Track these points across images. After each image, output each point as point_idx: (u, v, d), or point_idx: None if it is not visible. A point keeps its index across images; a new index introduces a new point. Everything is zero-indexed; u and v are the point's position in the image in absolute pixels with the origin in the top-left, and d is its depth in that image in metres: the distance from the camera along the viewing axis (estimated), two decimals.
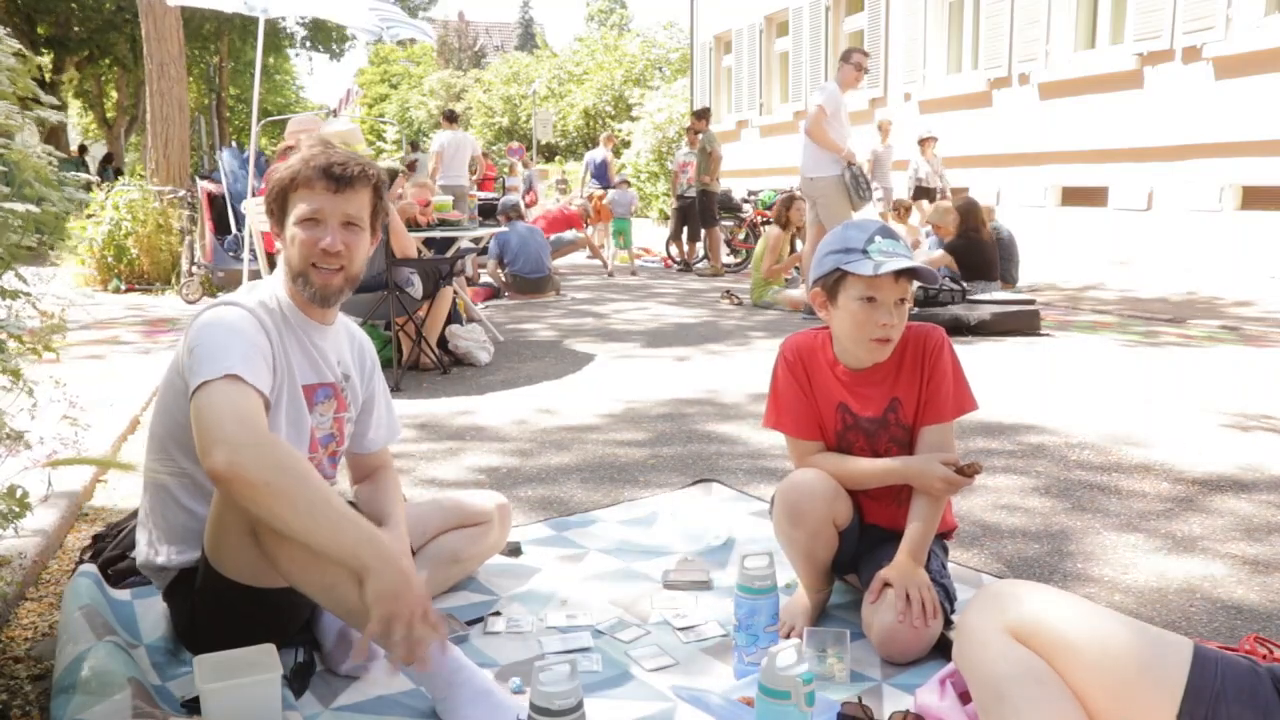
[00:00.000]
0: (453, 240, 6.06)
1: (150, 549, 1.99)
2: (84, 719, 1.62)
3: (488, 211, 11.42)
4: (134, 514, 2.38)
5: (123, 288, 9.35)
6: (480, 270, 9.22)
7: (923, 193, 11.00)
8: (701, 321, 7.28)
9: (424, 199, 6.08)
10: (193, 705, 1.74)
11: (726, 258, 11.63)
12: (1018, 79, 11.60)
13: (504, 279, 8.83)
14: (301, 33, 25.74)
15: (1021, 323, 6.42)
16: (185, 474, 1.94)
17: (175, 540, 1.96)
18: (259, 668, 1.70)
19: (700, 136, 11.10)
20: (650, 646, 2.07)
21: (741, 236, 11.72)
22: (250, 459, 1.61)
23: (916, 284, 2.12)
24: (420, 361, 5.25)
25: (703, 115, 11.48)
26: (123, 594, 2.25)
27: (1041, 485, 3.23)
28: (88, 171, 15.58)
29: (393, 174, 7.14)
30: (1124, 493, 3.14)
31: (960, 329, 6.23)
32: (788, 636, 2.08)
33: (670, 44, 32.74)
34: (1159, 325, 6.75)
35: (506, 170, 15.72)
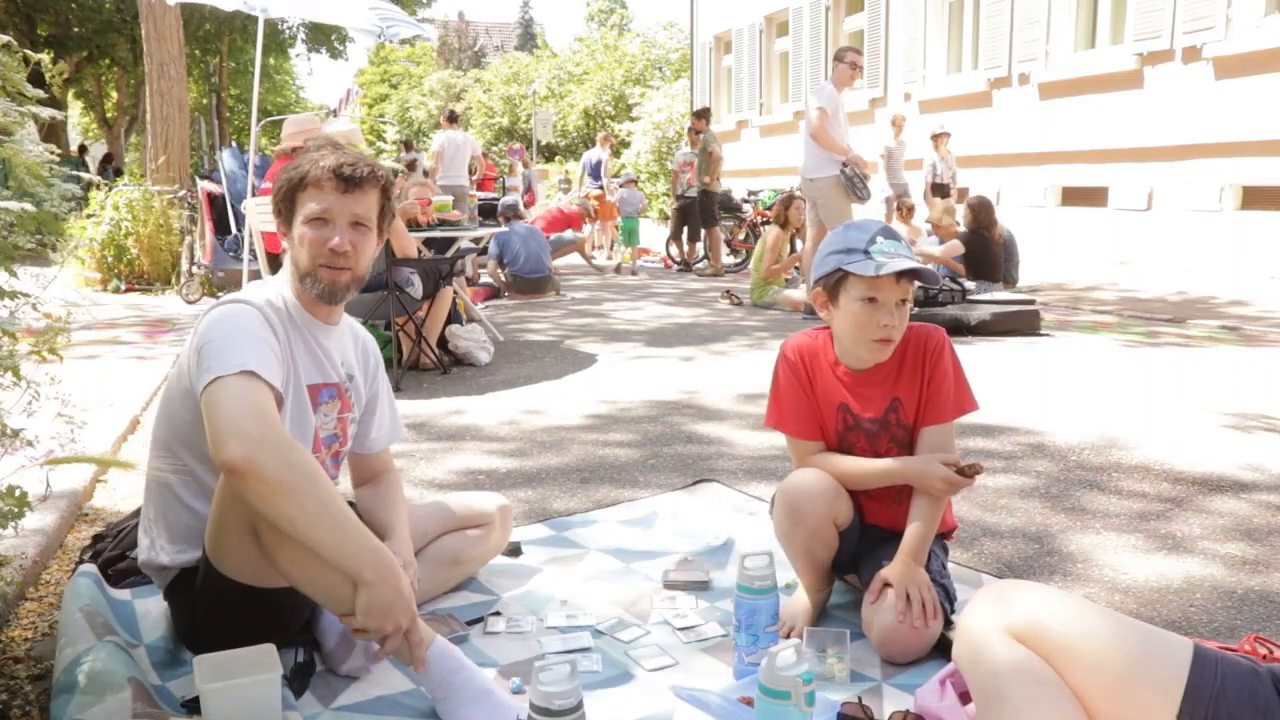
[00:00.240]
0: (453, 240, 6.05)
1: (152, 548, 1.99)
2: (84, 719, 1.62)
3: (488, 211, 11.43)
4: (134, 514, 2.39)
5: (123, 288, 9.35)
6: (480, 270, 9.22)
7: (937, 189, 10.90)
8: (701, 322, 7.28)
9: (425, 199, 6.07)
10: (193, 705, 1.74)
11: (726, 258, 11.64)
12: (1018, 79, 11.60)
13: (504, 279, 8.83)
14: (301, 34, 25.74)
15: (1021, 323, 6.42)
16: (189, 472, 1.94)
17: (177, 539, 1.96)
18: (259, 668, 1.70)
19: (701, 136, 11.11)
20: (650, 646, 2.07)
21: (741, 236, 11.72)
22: (267, 455, 1.61)
23: (917, 284, 2.12)
24: (420, 361, 5.25)
25: (703, 115, 11.49)
26: (123, 594, 2.25)
27: (1041, 485, 3.23)
28: (88, 171, 15.59)
29: (393, 174, 7.13)
30: (1124, 493, 3.14)
31: (960, 329, 6.23)
32: (788, 636, 2.08)
33: (670, 44, 32.73)
34: (1159, 325, 6.75)
35: (506, 170, 15.73)
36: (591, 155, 14.55)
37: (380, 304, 4.91)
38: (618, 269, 11.53)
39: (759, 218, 11.24)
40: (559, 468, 3.49)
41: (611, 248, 13.91)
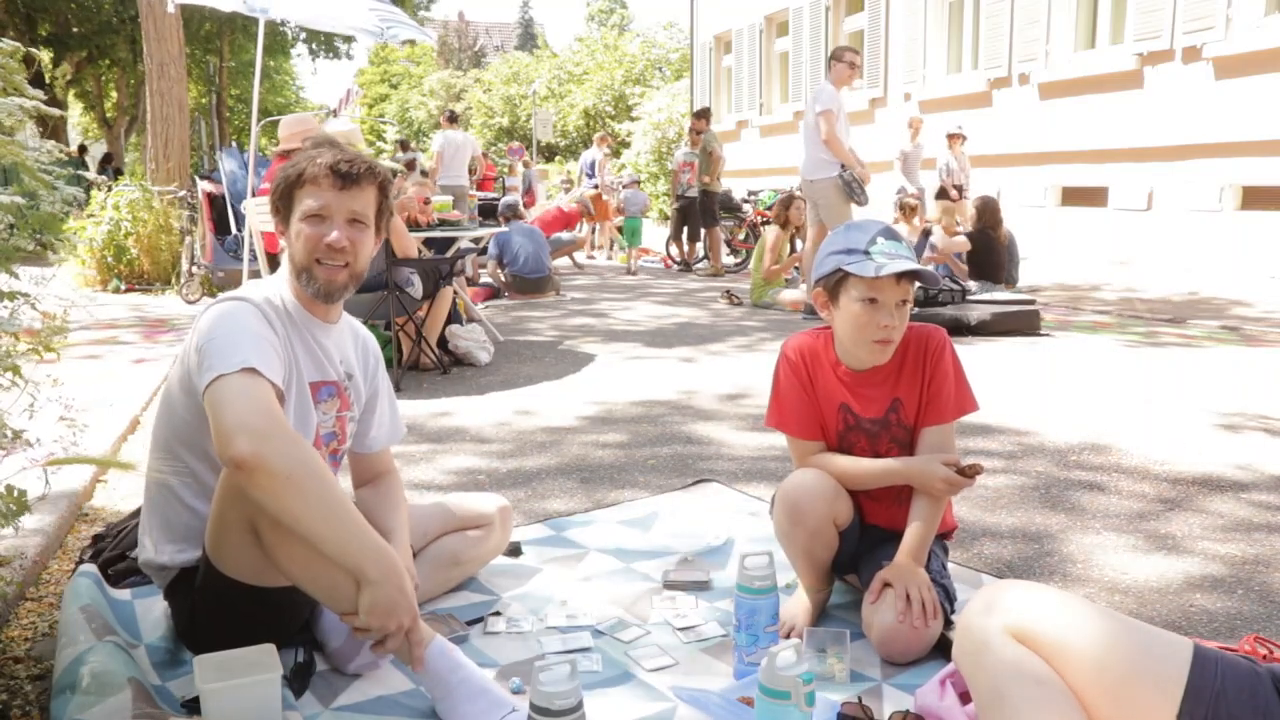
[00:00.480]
0: (453, 240, 6.05)
1: (152, 547, 1.99)
2: (84, 719, 1.62)
3: (488, 211, 11.43)
4: (134, 514, 2.39)
5: (123, 288, 9.35)
6: (480, 270, 9.22)
7: (946, 192, 10.65)
8: (701, 322, 7.28)
9: (424, 196, 6.06)
10: (193, 705, 1.74)
11: (726, 258, 11.64)
12: (1018, 79, 11.60)
13: (504, 279, 8.83)
14: (302, 34, 25.74)
15: (1021, 323, 6.42)
16: (189, 472, 1.94)
17: (177, 539, 1.96)
18: (259, 668, 1.70)
19: (702, 136, 11.10)
20: (650, 646, 2.07)
21: (741, 236, 11.72)
22: (275, 449, 1.61)
23: (917, 285, 2.12)
24: (420, 361, 5.25)
25: (703, 115, 11.48)
26: (123, 594, 2.25)
27: (1041, 485, 3.23)
28: (88, 171, 15.59)
29: (391, 174, 7.13)
30: (1123, 493, 3.14)
31: (960, 329, 6.23)
32: (788, 636, 2.08)
33: (670, 44, 32.73)
34: (1159, 325, 6.75)
35: (506, 170, 15.72)
36: (587, 156, 14.57)
37: (380, 304, 4.91)
38: (631, 270, 11.56)
39: (759, 218, 11.24)
40: (559, 468, 3.49)
41: (611, 247, 13.91)
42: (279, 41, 25.85)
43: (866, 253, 2.01)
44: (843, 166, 6.84)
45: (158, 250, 9.53)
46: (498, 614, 2.23)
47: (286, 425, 1.70)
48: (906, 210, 9.83)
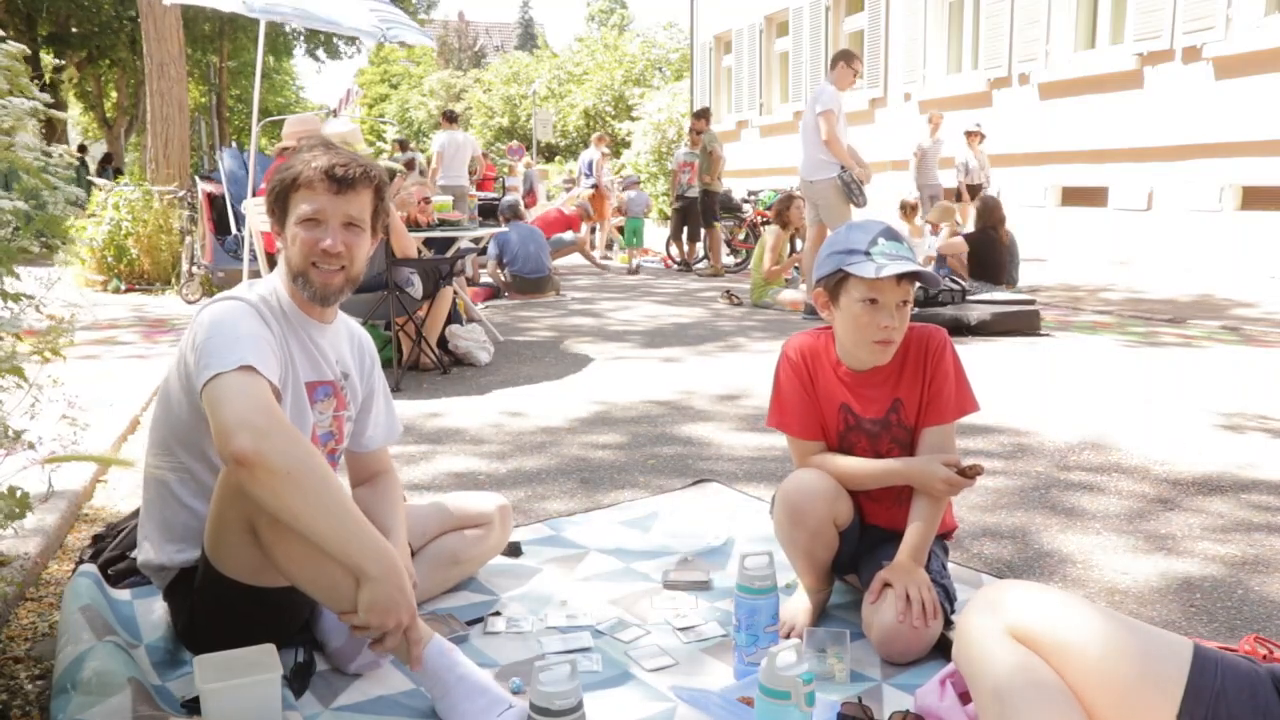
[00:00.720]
0: (453, 240, 6.06)
1: (151, 548, 1.99)
2: (84, 719, 1.62)
3: (488, 211, 11.43)
4: (134, 514, 2.38)
5: (123, 288, 9.35)
6: (480, 270, 9.22)
7: (970, 189, 10.61)
8: (701, 322, 7.28)
9: (422, 195, 6.06)
10: (193, 705, 1.74)
11: (726, 258, 11.64)
12: (1018, 79, 11.60)
13: (504, 279, 8.84)
14: (303, 35, 25.76)
15: (1021, 323, 6.42)
16: (187, 471, 1.94)
17: (176, 539, 1.96)
18: (259, 668, 1.70)
19: (702, 136, 11.11)
20: (650, 646, 2.07)
21: (741, 236, 11.72)
22: (275, 446, 1.61)
23: (917, 285, 2.12)
24: (420, 361, 5.25)
25: (703, 115, 11.49)
26: (123, 594, 2.25)
27: (1041, 485, 3.23)
28: (88, 171, 15.58)
29: (390, 174, 7.14)
30: (1123, 493, 3.14)
31: (960, 329, 6.23)
32: (788, 636, 2.08)
33: (670, 44, 32.72)
34: (1159, 325, 6.75)
35: (506, 170, 15.72)
36: (586, 155, 14.60)
37: (380, 304, 4.91)
38: (634, 270, 11.59)
39: (759, 218, 11.24)
40: (558, 468, 3.49)
41: (609, 247, 13.92)
42: (279, 42, 25.85)
43: (867, 253, 2.01)
44: (842, 167, 6.84)
45: (158, 250, 9.53)
46: (497, 614, 2.23)
47: (286, 422, 1.70)
48: (906, 209, 9.83)
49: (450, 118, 11.83)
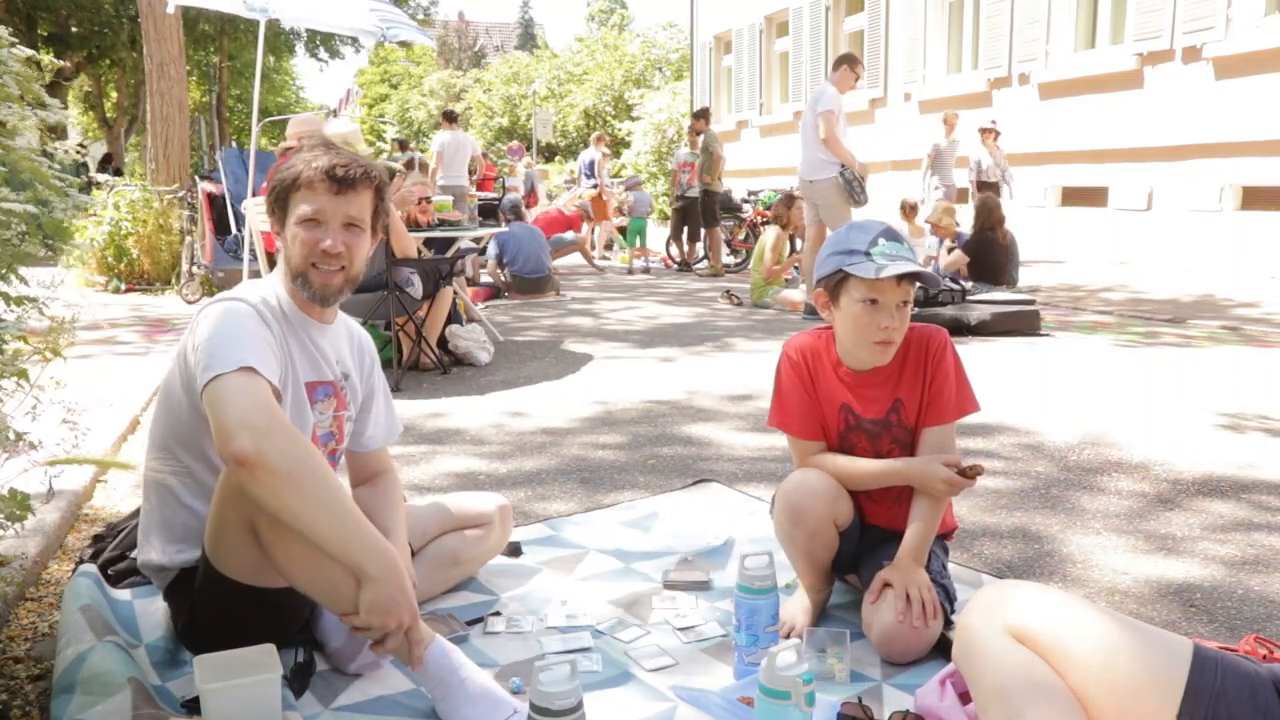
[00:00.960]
0: (453, 240, 6.06)
1: (151, 548, 1.99)
2: (84, 719, 1.62)
3: (488, 211, 11.43)
4: (134, 514, 2.38)
5: (123, 288, 9.36)
6: (480, 270, 9.22)
7: (985, 188, 10.29)
8: (701, 322, 7.28)
9: (423, 195, 6.06)
10: (193, 705, 1.74)
11: (726, 258, 11.65)
12: (1018, 79, 11.60)
13: (504, 279, 8.84)
14: (303, 34, 25.76)
15: (1021, 323, 6.42)
16: (187, 471, 1.94)
17: (176, 539, 1.96)
18: (259, 668, 1.70)
19: (701, 137, 11.11)
20: (650, 646, 2.07)
21: (741, 236, 11.73)
22: (276, 446, 1.61)
23: (917, 285, 2.12)
24: (420, 361, 5.25)
25: (703, 115, 11.49)
26: (123, 594, 2.25)
27: (1041, 485, 3.23)
28: (88, 172, 15.59)
29: (390, 173, 7.14)
30: (1123, 493, 3.14)
31: (960, 329, 6.23)
32: (788, 636, 2.09)
33: (670, 44, 32.72)
34: (1159, 325, 6.75)
35: (506, 170, 15.72)
36: (586, 155, 14.61)
37: (380, 304, 4.91)
38: (632, 270, 11.61)
39: (759, 218, 11.24)
40: (558, 468, 3.49)
41: (609, 247, 13.93)
42: (279, 41, 25.85)
43: (868, 254, 2.01)
44: (843, 166, 6.84)
45: (158, 250, 9.53)
46: (497, 614, 2.23)
47: (287, 423, 1.70)
48: (907, 209, 9.82)
49: (450, 118, 11.83)
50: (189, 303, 8.39)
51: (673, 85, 25.65)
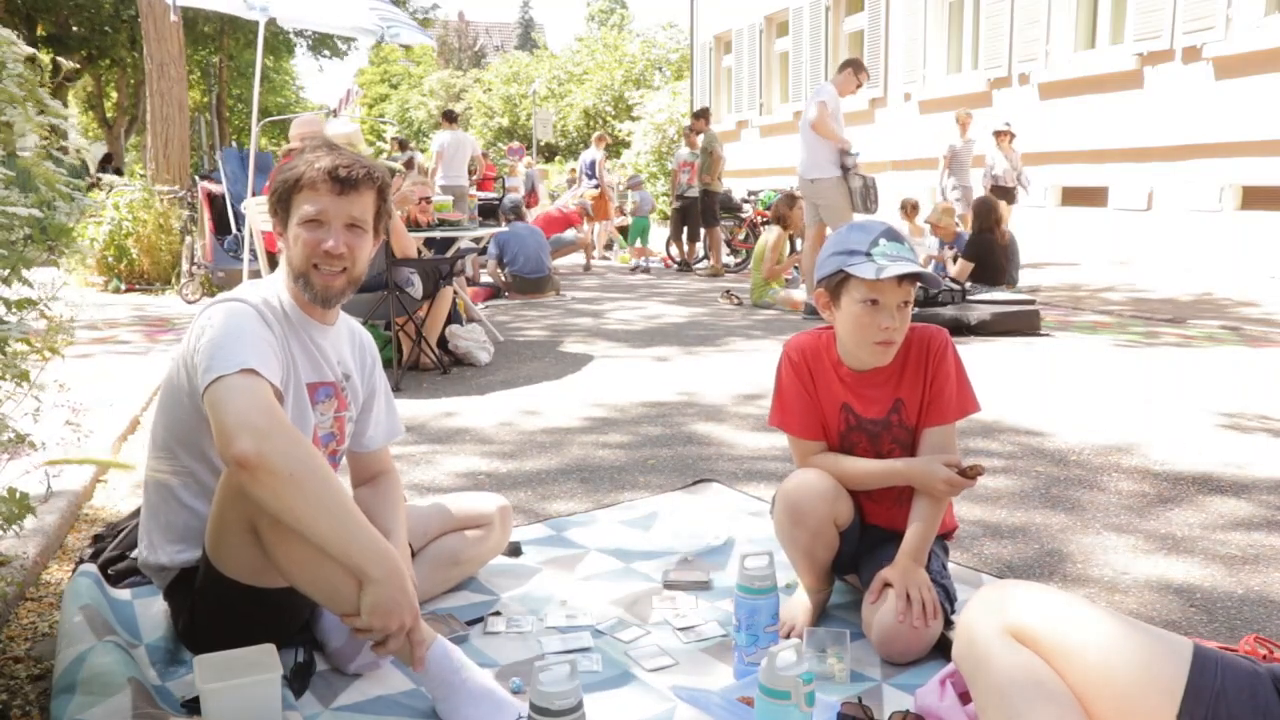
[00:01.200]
0: (453, 240, 6.06)
1: (151, 548, 1.99)
2: (84, 719, 1.62)
3: (488, 211, 11.43)
4: (134, 514, 2.39)
5: (123, 288, 9.36)
6: (480, 270, 9.22)
7: (1000, 192, 10.21)
8: (701, 322, 7.28)
9: (423, 195, 6.06)
10: (193, 705, 1.74)
11: (726, 258, 11.65)
12: (1018, 79, 11.60)
13: (504, 279, 8.84)
14: (305, 34, 25.78)
15: (1021, 323, 6.42)
16: (188, 471, 1.94)
17: (176, 539, 1.96)
18: (259, 668, 1.70)
19: (700, 137, 11.11)
20: (650, 646, 2.07)
21: (741, 236, 11.73)
22: (277, 448, 1.62)
23: (918, 286, 2.12)
24: (420, 361, 5.25)
25: (702, 115, 11.49)
26: (123, 594, 2.25)
27: (1041, 485, 3.23)
28: (88, 172, 15.58)
29: (390, 173, 7.13)
30: (1123, 493, 3.14)
31: (960, 329, 6.23)
32: (788, 636, 2.09)
33: (670, 44, 32.72)
34: (1159, 325, 6.75)
35: (507, 170, 15.73)
36: (587, 156, 14.62)
37: (380, 304, 4.91)
38: (632, 270, 11.62)
39: (759, 218, 11.24)
40: (559, 468, 3.49)
41: (609, 247, 13.93)
42: (279, 41, 25.84)
43: (868, 254, 2.00)
44: (847, 169, 6.84)
45: (158, 250, 9.53)
46: (498, 614, 2.23)
47: (288, 424, 1.70)
48: (908, 209, 9.81)
49: (450, 118, 11.83)
50: (189, 303, 8.40)
51: (673, 85, 25.66)
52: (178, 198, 9.63)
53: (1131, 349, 5.85)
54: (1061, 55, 11.06)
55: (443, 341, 5.42)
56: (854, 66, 7.10)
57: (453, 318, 5.57)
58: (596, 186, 13.64)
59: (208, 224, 8.81)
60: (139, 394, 4.44)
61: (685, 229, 11.61)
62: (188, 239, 8.91)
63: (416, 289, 5.11)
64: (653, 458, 3.62)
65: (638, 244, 12.37)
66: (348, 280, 1.97)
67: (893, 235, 2.05)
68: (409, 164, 12.38)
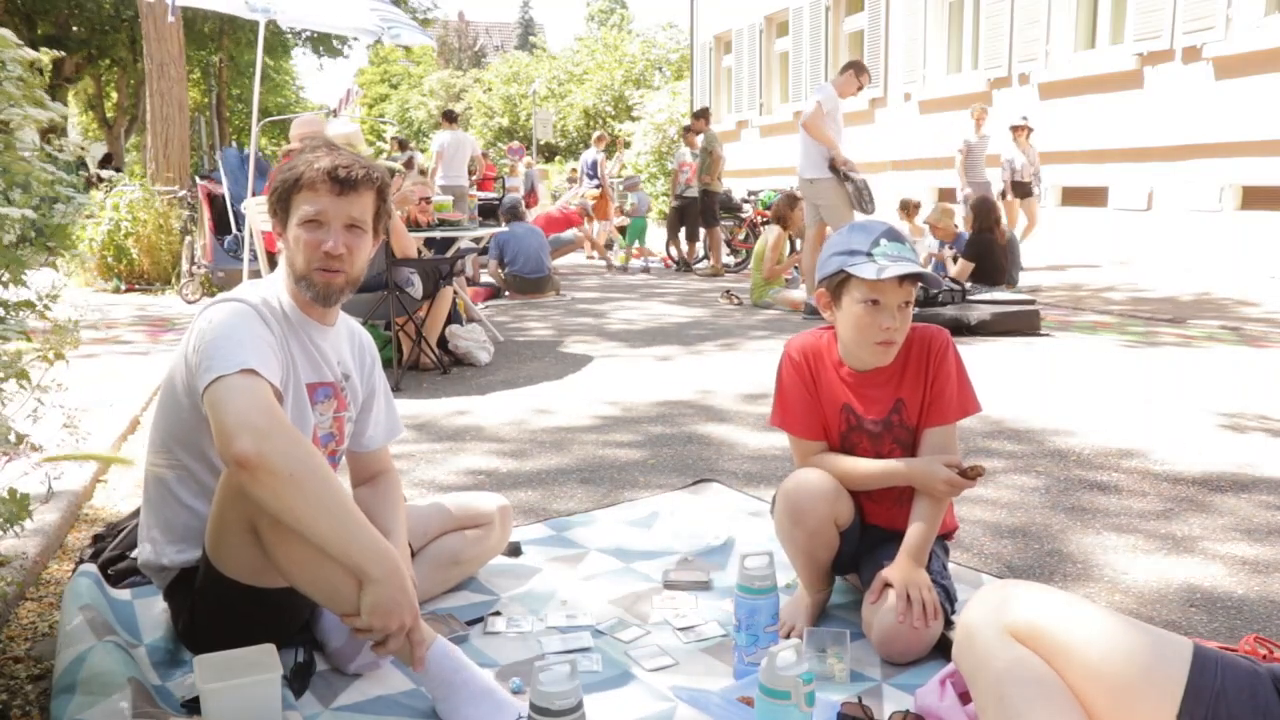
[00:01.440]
0: (453, 240, 6.06)
1: (151, 548, 1.99)
2: (84, 719, 1.62)
3: (488, 211, 11.43)
4: (134, 514, 2.39)
5: (123, 288, 9.36)
6: (480, 270, 9.22)
7: (1018, 188, 10.17)
8: (701, 321, 7.28)
9: (424, 195, 6.07)
10: (193, 705, 1.74)
11: (726, 258, 11.65)
12: (1018, 79, 11.60)
13: (504, 279, 8.83)
14: (305, 34, 25.77)
15: (1021, 323, 6.42)
16: (187, 471, 1.95)
17: (176, 539, 1.96)
18: (259, 668, 1.70)
19: (700, 137, 11.11)
20: (650, 646, 2.07)
21: (741, 236, 11.73)
22: (277, 448, 1.62)
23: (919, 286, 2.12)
24: (420, 361, 5.25)
25: (702, 115, 11.49)
26: (123, 594, 2.25)
27: (1041, 485, 3.23)
28: (85, 167, 15.58)
29: (390, 173, 7.13)
30: (1124, 493, 3.14)
31: (960, 329, 6.23)
32: (788, 636, 2.09)
33: (670, 44, 32.73)
34: (1159, 325, 6.75)
35: (507, 170, 15.74)
36: (588, 156, 14.64)
37: (380, 304, 4.91)
38: (625, 268, 11.64)
39: (759, 218, 11.24)
40: (559, 468, 3.49)
41: (608, 247, 13.93)
42: (279, 41, 25.84)
43: (869, 254, 2.00)
44: (844, 174, 6.84)
45: (158, 250, 9.53)
46: (498, 614, 2.23)
47: (288, 424, 1.70)
48: (909, 208, 9.81)
49: (450, 117, 11.83)
50: (189, 302, 8.40)
51: (673, 85, 25.66)
52: (178, 198, 9.63)
53: (1132, 349, 5.85)
54: (1061, 55, 11.06)
55: (443, 341, 5.42)
56: (855, 69, 7.11)
57: (453, 318, 5.57)
58: (598, 186, 13.64)
59: (208, 224, 8.81)
60: (139, 394, 4.44)
61: (684, 229, 11.61)
62: (188, 239, 8.91)
63: (416, 289, 5.11)
64: (654, 457, 3.62)
65: (636, 244, 12.37)
66: (347, 280, 1.97)
67: (894, 235, 2.05)
68: (409, 164, 12.38)
